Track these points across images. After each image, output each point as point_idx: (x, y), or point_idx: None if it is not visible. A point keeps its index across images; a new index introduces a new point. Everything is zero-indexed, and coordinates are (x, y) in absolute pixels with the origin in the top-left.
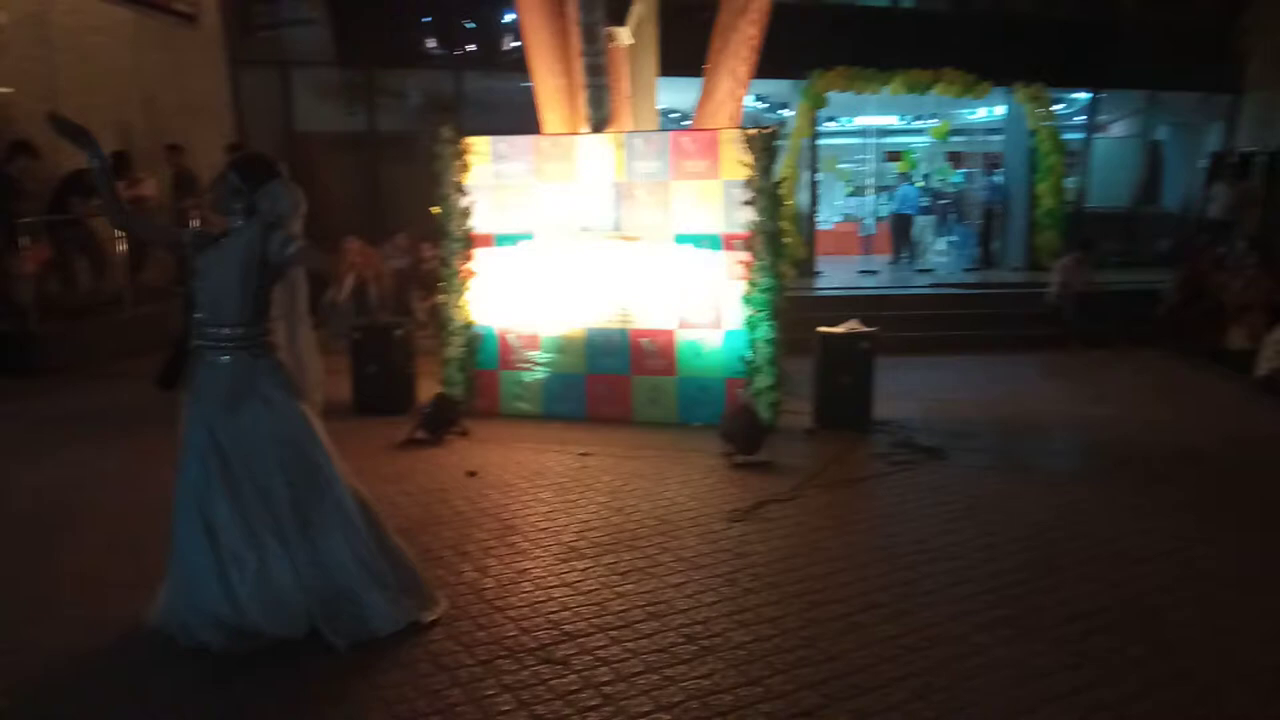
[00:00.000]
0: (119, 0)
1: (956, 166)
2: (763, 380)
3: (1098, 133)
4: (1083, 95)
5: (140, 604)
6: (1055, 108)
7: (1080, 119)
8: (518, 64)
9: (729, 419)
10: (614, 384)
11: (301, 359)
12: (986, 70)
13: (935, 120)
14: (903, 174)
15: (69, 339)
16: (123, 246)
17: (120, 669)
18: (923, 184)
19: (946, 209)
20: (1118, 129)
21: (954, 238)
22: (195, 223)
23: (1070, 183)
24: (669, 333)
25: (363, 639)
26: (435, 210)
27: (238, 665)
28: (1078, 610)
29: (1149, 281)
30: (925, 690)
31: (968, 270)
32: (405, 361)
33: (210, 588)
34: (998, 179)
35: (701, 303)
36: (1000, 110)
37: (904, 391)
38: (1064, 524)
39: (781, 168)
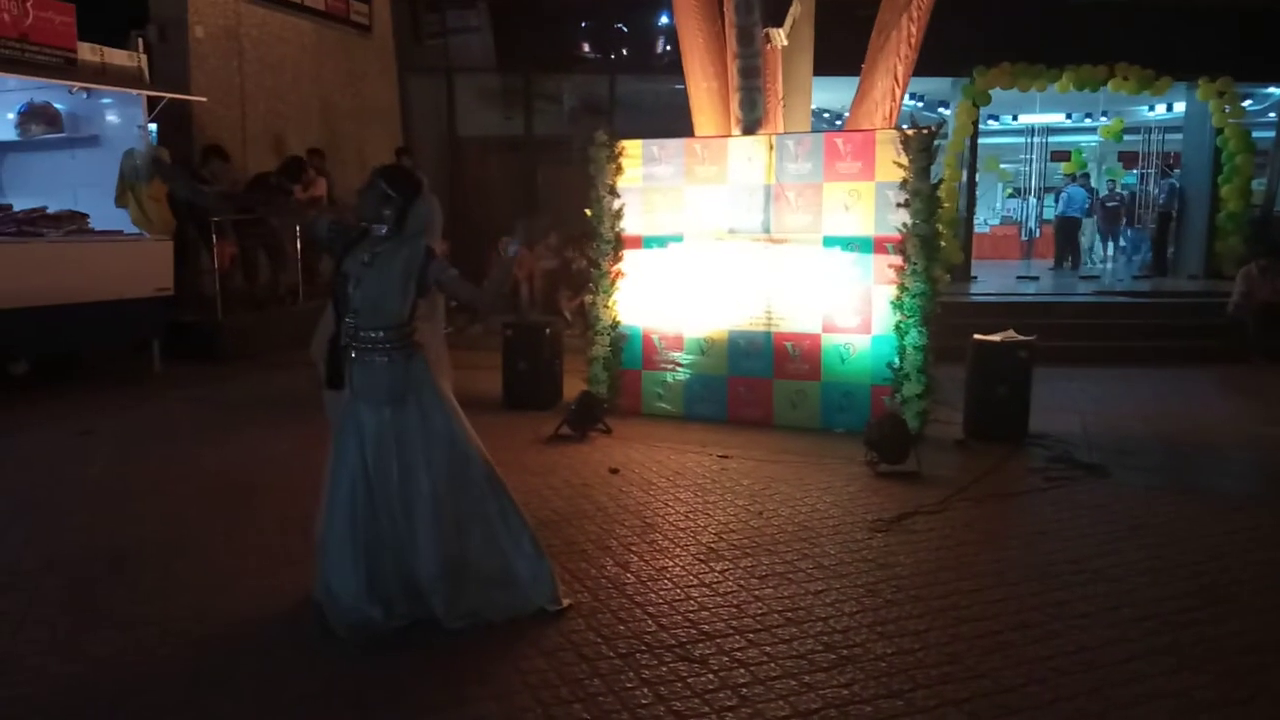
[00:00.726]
0: (301, 13)
1: (1129, 167)
2: (911, 388)
3: None
4: (1276, 90)
5: (307, 580)
6: (1244, 104)
7: (1272, 116)
8: (671, 67)
9: (874, 426)
10: (756, 387)
11: (440, 359)
12: (1166, 64)
13: (1106, 118)
14: (1069, 175)
15: (250, 330)
16: (299, 244)
17: (286, 641)
18: (1093, 185)
19: (1117, 212)
20: None
21: (1123, 243)
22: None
23: (1258, 185)
24: (814, 336)
25: (491, 621)
26: (588, 212)
27: (390, 642)
28: (1251, 642)
29: None
30: (1077, 716)
31: (1138, 278)
32: (553, 359)
33: (354, 571)
34: (1175, 180)
35: (849, 307)
36: (1180, 107)
37: (1064, 404)
38: (1238, 550)
39: (942, 169)
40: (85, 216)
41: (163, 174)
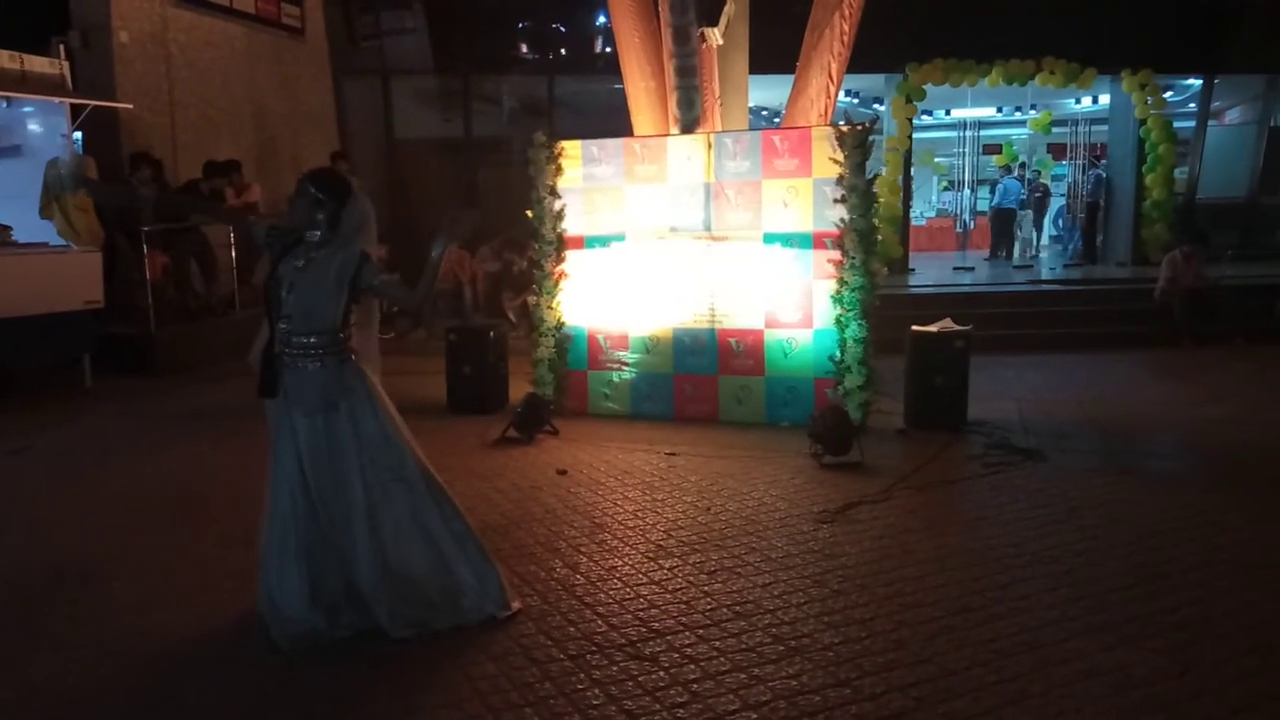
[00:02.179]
0: (231, 16)
1: (1059, 159)
2: (853, 380)
3: (1211, 120)
4: (1195, 81)
5: (249, 593)
6: (1165, 95)
7: (1192, 106)
8: (609, 67)
9: (818, 419)
10: (701, 384)
11: (374, 365)
12: (1091, 58)
13: (1035, 111)
14: (1003, 167)
15: (184, 341)
16: (234, 253)
17: (230, 656)
18: (1024, 177)
19: (1045, 202)
20: (1234, 115)
21: (1055, 233)
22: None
23: (1180, 173)
24: (757, 332)
25: (437, 629)
26: (529, 214)
27: (337, 652)
28: (1185, 618)
29: (1268, 276)
30: (1020, 696)
31: (1069, 266)
32: (498, 362)
33: (296, 581)
34: (1101, 171)
35: (790, 302)
36: (1105, 99)
37: (1001, 391)
38: (1171, 529)
39: (886, 166)
40: (8, 229)
41: (93, 192)
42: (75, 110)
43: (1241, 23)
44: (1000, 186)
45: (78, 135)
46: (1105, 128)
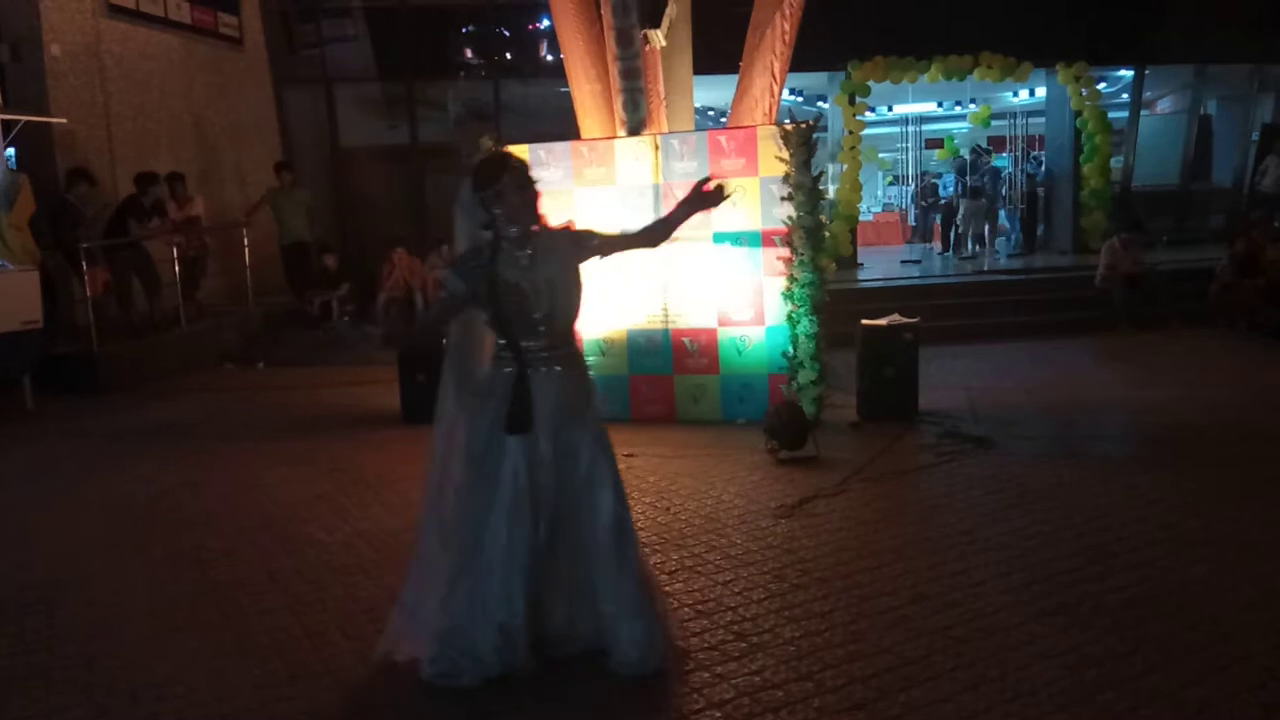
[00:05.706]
0: (166, 27)
1: (999, 151)
2: (805, 375)
3: (1144, 110)
4: (1127, 72)
5: (203, 616)
6: (1099, 86)
7: (1125, 97)
8: (555, 70)
9: (773, 415)
10: (657, 384)
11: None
12: (1026, 51)
13: (975, 105)
14: (949, 161)
15: (129, 359)
16: (177, 267)
17: (181, 681)
18: (964, 170)
19: (985, 193)
20: (1165, 105)
21: (998, 224)
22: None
23: (1116, 162)
24: (710, 331)
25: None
26: None
27: (498, 696)
28: (1132, 597)
29: (1201, 259)
30: (978, 681)
31: (1012, 256)
32: None
33: (485, 614)
34: (1039, 162)
35: (742, 300)
36: (1041, 92)
37: (950, 381)
38: (1118, 511)
39: (845, 165)
40: None
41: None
42: (7, 126)
43: (1168, 14)
44: (943, 180)
45: (10, 151)
46: (1042, 120)
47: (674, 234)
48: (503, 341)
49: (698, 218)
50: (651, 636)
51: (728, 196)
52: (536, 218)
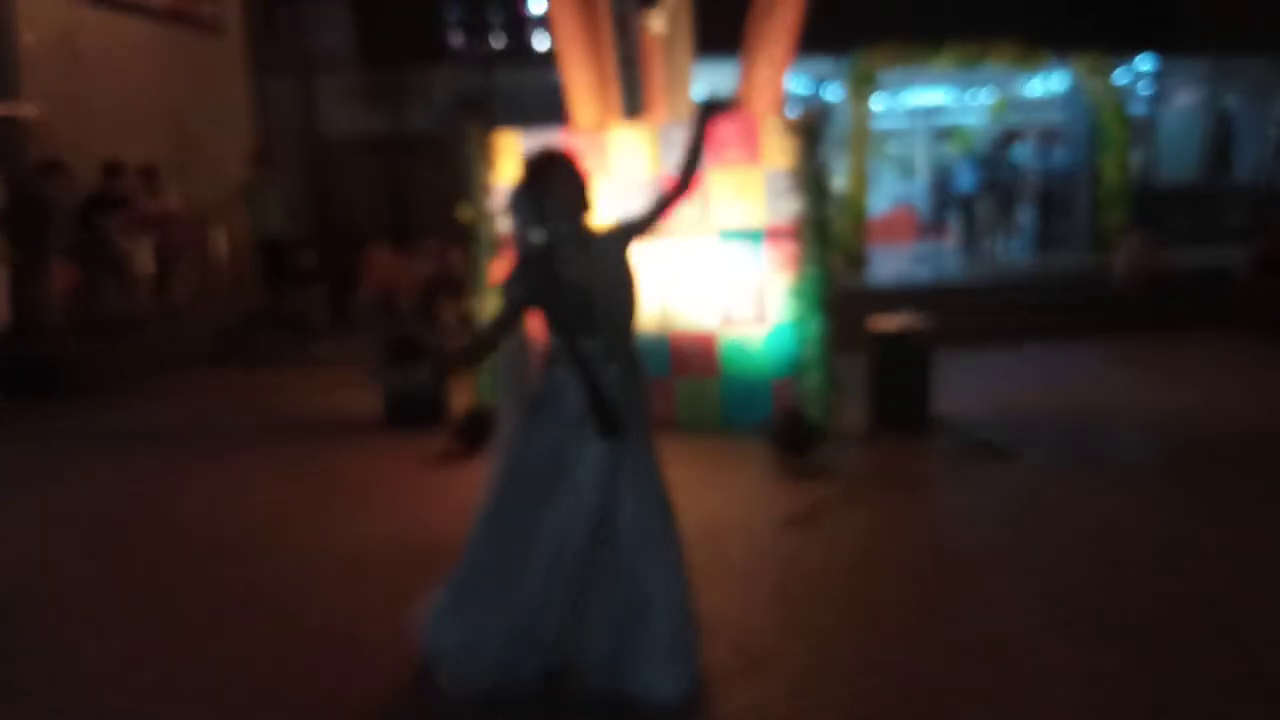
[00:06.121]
0: (143, 15)
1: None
2: (812, 379)
3: (1163, 104)
4: (1145, 66)
5: (176, 629)
6: (1117, 78)
7: (1144, 90)
8: (549, 57)
9: (777, 422)
10: (655, 387)
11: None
12: (1043, 39)
13: (988, 96)
14: (962, 154)
15: (101, 359)
16: (149, 265)
17: (154, 693)
18: (980, 163)
19: (1000, 187)
20: (1184, 99)
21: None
22: None
23: (1135, 158)
24: (711, 333)
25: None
26: (463, 212)
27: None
28: (1149, 611)
29: (1222, 258)
30: (985, 697)
31: (1027, 253)
32: None
33: (519, 622)
34: (1056, 157)
35: (744, 300)
36: (1059, 85)
37: (963, 386)
38: (1136, 522)
39: (852, 158)
40: None
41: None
42: None
43: (1186, 6)
44: (957, 174)
45: None
46: (1059, 114)
47: (696, 170)
48: (561, 343)
49: (697, 211)
50: (689, 670)
51: (727, 100)
52: (588, 208)
